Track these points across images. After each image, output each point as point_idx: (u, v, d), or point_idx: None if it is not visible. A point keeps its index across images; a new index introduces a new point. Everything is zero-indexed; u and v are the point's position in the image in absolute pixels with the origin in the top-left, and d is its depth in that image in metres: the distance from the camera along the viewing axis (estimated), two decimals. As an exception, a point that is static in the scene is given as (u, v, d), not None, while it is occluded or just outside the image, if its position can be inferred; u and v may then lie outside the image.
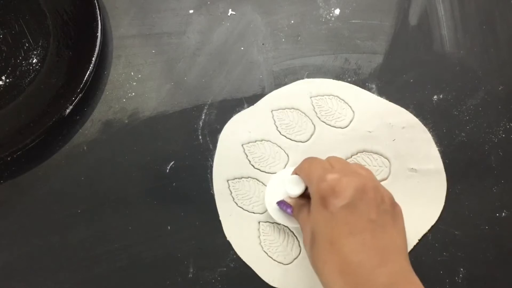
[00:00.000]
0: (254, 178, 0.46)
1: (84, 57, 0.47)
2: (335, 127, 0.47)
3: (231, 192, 0.46)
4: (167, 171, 0.47)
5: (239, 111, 0.48)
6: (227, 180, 0.46)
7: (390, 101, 0.48)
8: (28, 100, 0.49)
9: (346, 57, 0.50)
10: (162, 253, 0.45)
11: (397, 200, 0.45)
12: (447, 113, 0.48)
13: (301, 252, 0.45)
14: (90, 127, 0.48)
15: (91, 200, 0.47)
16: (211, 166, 0.47)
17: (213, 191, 0.46)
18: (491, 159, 0.47)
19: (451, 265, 0.44)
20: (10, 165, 0.47)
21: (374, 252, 0.32)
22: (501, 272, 0.44)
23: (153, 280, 0.45)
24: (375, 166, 0.46)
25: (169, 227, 0.46)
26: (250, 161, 0.47)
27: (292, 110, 0.48)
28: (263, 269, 0.44)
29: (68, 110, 0.46)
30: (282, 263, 0.44)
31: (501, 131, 0.47)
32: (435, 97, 0.48)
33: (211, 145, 0.47)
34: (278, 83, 0.49)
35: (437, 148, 0.47)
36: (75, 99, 0.46)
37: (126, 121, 0.49)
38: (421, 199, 0.46)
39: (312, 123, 0.47)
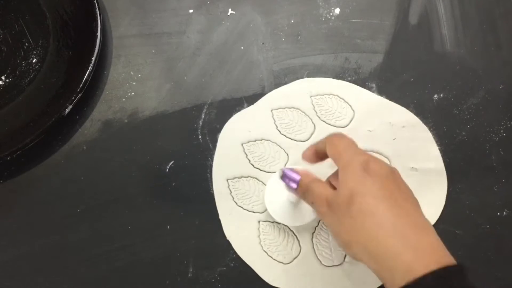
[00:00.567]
0: (254, 178, 0.46)
1: (84, 57, 0.47)
2: (335, 126, 0.47)
3: (231, 192, 0.46)
4: (167, 170, 0.47)
5: (239, 110, 0.48)
6: (227, 180, 0.46)
7: (390, 100, 0.48)
8: (28, 100, 0.49)
9: (346, 57, 0.50)
10: (162, 253, 0.45)
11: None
12: (448, 112, 0.48)
13: (301, 252, 0.45)
14: (90, 127, 0.48)
15: (91, 200, 0.46)
16: (211, 166, 0.47)
17: (212, 190, 0.46)
18: (492, 158, 0.46)
19: (452, 264, 0.44)
20: (10, 165, 0.47)
21: (413, 224, 0.33)
22: (502, 271, 0.44)
23: (153, 279, 0.45)
24: (376, 165, 0.46)
25: (168, 227, 0.46)
26: (250, 161, 0.47)
27: (292, 109, 0.48)
28: (263, 269, 0.44)
29: (67, 110, 0.46)
30: (282, 263, 0.44)
31: (502, 130, 0.47)
32: (435, 96, 0.48)
33: (211, 145, 0.47)
34: (278, 83, 0.49)
35: (437, 147, 0.47)
36: (74, 98, 0.46)
37: (126, 121, 0.49)
38: (422, 198, 0.45)
39: (312, 122, 0.47)
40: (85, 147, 0.48)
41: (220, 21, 0.51)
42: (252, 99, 0.49)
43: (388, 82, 0.49)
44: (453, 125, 0.47)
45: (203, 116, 0.48)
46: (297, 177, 0.38)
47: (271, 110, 0.48)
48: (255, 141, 0.47)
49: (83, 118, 0.49)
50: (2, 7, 0.51)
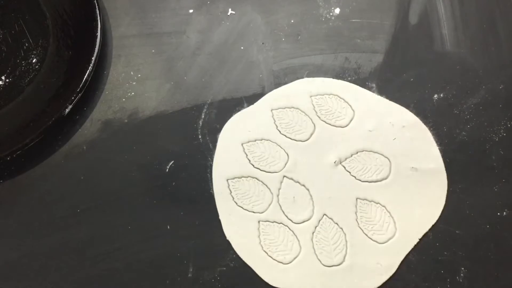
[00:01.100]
0: (254, 178, 0.46)
1: (84, 56, 0.47)
2: (335, 126, 0.47)
3: (231, 192, 0.46)
4: (167, 170, 0.47)
5: (239, 110, 0.48)
6: (227, 180, 0.46)
7: (390, 100, 0.48)
8: (28, 100, 0.49)
9: (346, 56, 0.50)
10: (162, 253, 0.45)
11: (397, 199, 0.45)
12: (448, 112, 0.48)
13: (301, 252, 0.45)
14: (90, 127, 0.48)
15: (90, 199, 0.46)
16: (211, 166, 0.47)
17: (212, 190, 0.46)
18: (492, 158, 0.46)
19: (452, 264, 0.44)
20: (10, 165, 0.47)
21: None
22: (502, 271, 0.44)
23: (153, 279, 0.45)
24: (375, 165, 0.46)
25: (168, 227, 0.46)
26: (250, 161, 0.47)
27: (292, 109, 0.48)
28: (263, 269, 0.44)
29: (67, 110, 0.46)
30: (282, 263, 0.44)
31: (502, 130, 0.47)
32: (435, 96, 0.48)
33: (210, 145, 0.47)
34: (278, 83, 0.49)
35: (437, 147, 0.47)
36: (74, 98, 0.46)
37: (126, 121, 0.49)
38: (422, 198, 0.45)
39: (312, 122, 0.47)
40: (85, 147, 0.48)
41: (220, 21, 0.51)
42: (252, 99, 0.49)
43: (388, 82, 0.49)
44: (453, 125, 0.47)
45: (203, 116, 0.48)
46: None
47: (271, 110, 0.48)
48: (255, 141, 0.47)
49: (83, 118, 0.49)
50: (2, 7, 0.51)
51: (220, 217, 0.46)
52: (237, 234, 0.45)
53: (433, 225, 0.45)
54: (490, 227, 0.45)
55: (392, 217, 0.44)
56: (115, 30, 0.51)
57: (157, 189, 0.47)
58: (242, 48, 0.50)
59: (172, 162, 0.47)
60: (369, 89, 0.48)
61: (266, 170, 0.46)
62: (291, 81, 0.49)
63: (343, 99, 0.48)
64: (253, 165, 0.46)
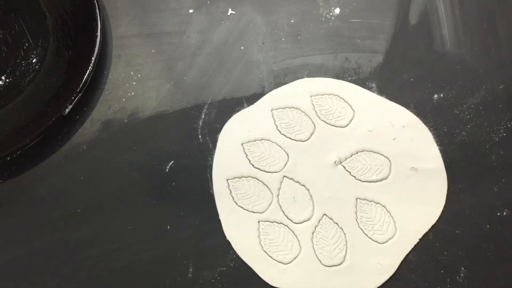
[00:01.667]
0: (254, 178, 0.46)
1: (84, 56, 0.47)
2: (335, 126, 0.47)
3: (231, 192, 0.46)
4: (167, 170, 0.47)
5: (239, 110, 0.48)
6: (227, 180, 0.46)
7: (390, 100, 0.48)
8: (27, 100, 0.49)
9: (346, 56, 0.50)
10: (162, 253, 0.45)
11: (397, 199, 0.45)
12: (448, 112, 0.48)
13: (301, 252, 0.45)
14: (90, 127, 0.48)
15: (90, 199, 0.46)
16: (211, 166, 0.47)
17: (212, 190, 0.46)
18: (492, 158, 0.46)
19: (452, 264, 0.44)
20: (10, 165, 0.47)
21: None
22: (502, 271, 0.44)
23: (153, 279, 0.45)
24: (375, 165, 0.46)
25: (168, 227, 0.46)
26: (250, 161, 0.47)
27: (292, 109, 0.48)
28: (263, 269, 0.44)
29: (67, 110, 0.46)
30: (281, 263, 0.44)
31: (502, 130, 0.47)
32: (435, 96, 0.48)
33: (210, 145, 0.47)
34: (278, 82, 0.49)
35: (437, 147, 0.47)
36: (74, 98, 0.46)
37: (126, 121, 0.49)
38: (422, 199, 0.45)
39: (312, 122, 0.47)
40: (85, 147, 0.48)
41: (220, 21, 0.51)
42: (252, 99, 0.49)
43: (388, 82, 0.49)
44: (453, 125, 0.47)
45: (203, 116, 0.48)
46: None
47: (271, 110, 0.48)
48: (255, 141, 0.47)
49: (83, 118, 0.49)
50: (2, 7, 0.51)
51: (220, 217, 0.46)
52: (237, 234, 0.45)
53: (433, 225, 0.45)
54: (490, 227, 0.45)
55: (392, 217, 0.44)
56: (115, 30, 0.51)
57: (157, 189, 0.47)
58: (242, 48, 0.50)
59: (172, 162, 0.47)
60: (369, 89, 0.48)
61: (266, 170, 0.46)
62: (291, 81, 0.49)
63: (343, 99, 0.48)
64: (253, 165, 0.46)
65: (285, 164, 0.46)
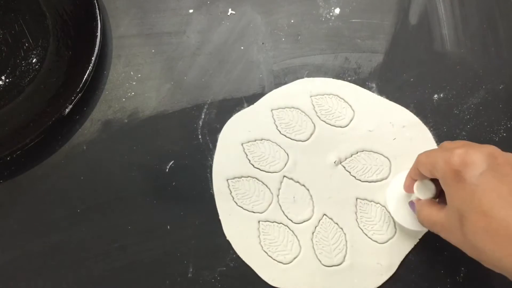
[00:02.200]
0: (253, 178, 0.46)
1: (84, 56, 0.47)
2: (335, 126, 0.47)
3: (231, 192, 0.46)
4: (167, 170, 0.47)
5: (239, 110, 0.48)
6: (227, 180, 0.46)
7: (390, 100, 0.48)
8: (28, 100, 0.49)
9: (346, 56, 0.50)
10: (162, 253, 0.45)
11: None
12: (448, 112, 0.48)
13: (301, 252, 0.45)
14: (90, 127, 0.48)
15: (90, 199, 0.46)
16: (211, 166, 0.47)
17: (212, 190, 0.46)
18: (492, 158, 0.46)
19: (452, 264, 0.44)
20: (10, 165, 0.47)
21: None
22: (502, 271, 0.44)
23: (153, 279, 0.45)
24: (375, 165, 0.46)
25: (168, 227, 0.46)
26: (249, 161, 0.47)
27: (292, 109, 0.48)
28: (263, 269, 0.44)
29: (67, 110, 0.46)
30: (281, 263, 0.44)
31: (502, 130, 0.47)
32: (435, 96, 0.48)
33: (210, 145, 0.47)
34: (278, 82, 0.49)
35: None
36: (74, 98, 0.46)
37: (126, 121, 0.49)
38: (422, 198, 0.45)
39: (312, 122, 0.47)
40: (85, 147, 0.48)
41: (220, 21, 0.51)
42: (252, 99, 0.49)
43: (388, 82, 0.49)
44: (453, 125, 0.47)
45: (203, 116, 0.48)
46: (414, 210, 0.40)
47: (271, 110, 0.48)
48: (255, 141, 0.47)
49: (83, 118, 0.49)
50: (2, 7, 0.51)
51: (220, 217, 0.46)
52: (237, 234, 0.45)
53: (433, 225, 0.45)
54: (490, 227, 0.45)
55: (392, 217, 0.44)
56: (115, 30, 0.51)
57: (157, 189, 0.47)
58: (242, 48, 0.50)
59: (172, 162, 0.47)
60: (369, 89, 0.48)
61: (266, 170, 0.46)
62: (291, 81, 0.49)
63: (343, 99, 0.48)
64: (253, 165, 0.46)
65: (285, 164, 0.46)
